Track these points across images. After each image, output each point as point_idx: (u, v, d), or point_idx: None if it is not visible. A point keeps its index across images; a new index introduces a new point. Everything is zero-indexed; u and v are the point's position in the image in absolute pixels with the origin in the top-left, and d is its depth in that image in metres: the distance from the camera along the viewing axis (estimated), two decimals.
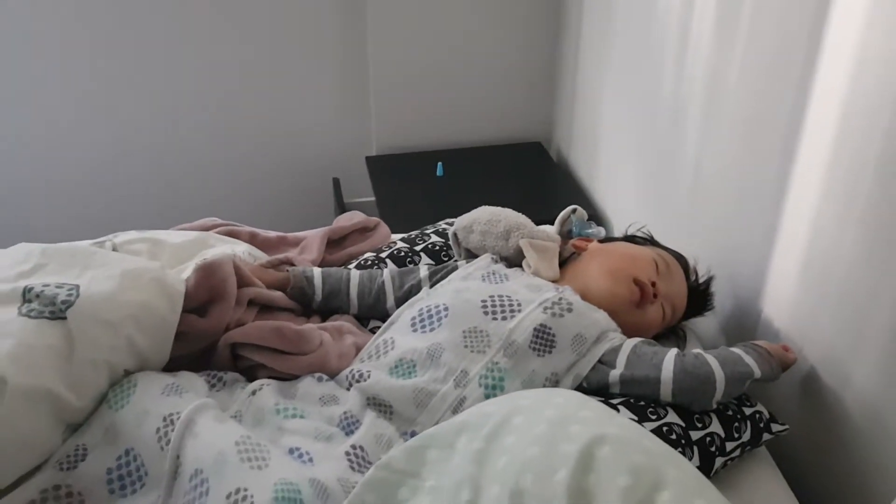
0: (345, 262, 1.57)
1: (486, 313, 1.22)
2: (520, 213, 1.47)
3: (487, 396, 1.14)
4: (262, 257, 1.54)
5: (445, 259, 1.53)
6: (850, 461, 1.22)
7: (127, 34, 2.26)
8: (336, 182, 2.39)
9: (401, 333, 1.25)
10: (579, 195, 2.29)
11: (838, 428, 1.24)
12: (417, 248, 1.54)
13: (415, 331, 1.24)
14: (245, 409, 1.12)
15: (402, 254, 1.52)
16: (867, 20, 1.11)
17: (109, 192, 2.44)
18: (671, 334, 1.45)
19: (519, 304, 1.24)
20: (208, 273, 1.23)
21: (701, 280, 1.47)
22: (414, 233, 1.61)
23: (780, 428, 1.22)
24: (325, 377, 1.20)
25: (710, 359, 1.17)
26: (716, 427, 1.16)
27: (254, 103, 2.43)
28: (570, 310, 1.24)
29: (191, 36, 2.30)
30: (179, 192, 2.48)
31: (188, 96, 2.38)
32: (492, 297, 1.25)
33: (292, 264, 1.49)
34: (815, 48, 1.22)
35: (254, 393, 1.14)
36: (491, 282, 1.31)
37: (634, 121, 1.98)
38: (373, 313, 1.40)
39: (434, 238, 1.57)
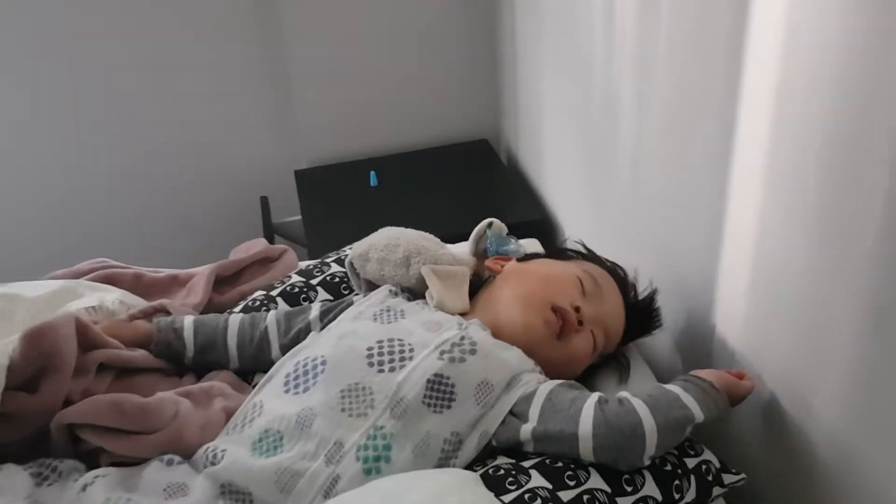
0: (237, 304, 1.36)
1: (371, 364, 1.02)
2: (425, 234, 1.26)
3: (367, 472, 0.93)
4: (140, 304, 1.34)
5: (346, 293, 1.32)
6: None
7: (30, 54, 2.06)
8: (264, 201, 2.19)
9: (272, 395, 1.04)
10: (529, 197, 2.08)
11: (803, 468, 1.03)
12: (314, 280, 1.33)
13: (287, 391, 1.03)
14: None
15: (297, 289, 1.32)
16: None
17: (17, 226, 2.25)
18: (611, 362, 1.24)
19: (412, 350, 1.03)
20: (35, 339, 1.03)
21: (642, 295, 1.26)
22: (313, 262, 1.41)
23: (735, 479, 1.01)
24: (177, 459, 1.00)
25: (638, 405, 0.96)
26: (650, 489, 0.95)
27: (171, 123, 2.23)
28: (472, 351, 1.04)
29: (98, 53, 2.11)
30: (95, 221, 2.28)
31: (98, 116, 2.19)
32: (380, 342, 1.04)
33: (168, 312, 1.28)
34: (739, 31, 1.02)
35: (84, 488, 0.94)
36: (383, 321, 1.10)
37: (571, 117, 1.77)
38: (257, 366, 1.20)
39: (334, 268, 1.36)
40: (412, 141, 2.31)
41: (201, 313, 1.33)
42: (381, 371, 1.01)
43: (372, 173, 2.13)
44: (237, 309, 1.30)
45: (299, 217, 2.15)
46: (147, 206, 2.29)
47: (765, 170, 1.02)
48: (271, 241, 2.14)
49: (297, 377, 1.04)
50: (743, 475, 1.02)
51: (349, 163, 2.26)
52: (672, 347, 1.36)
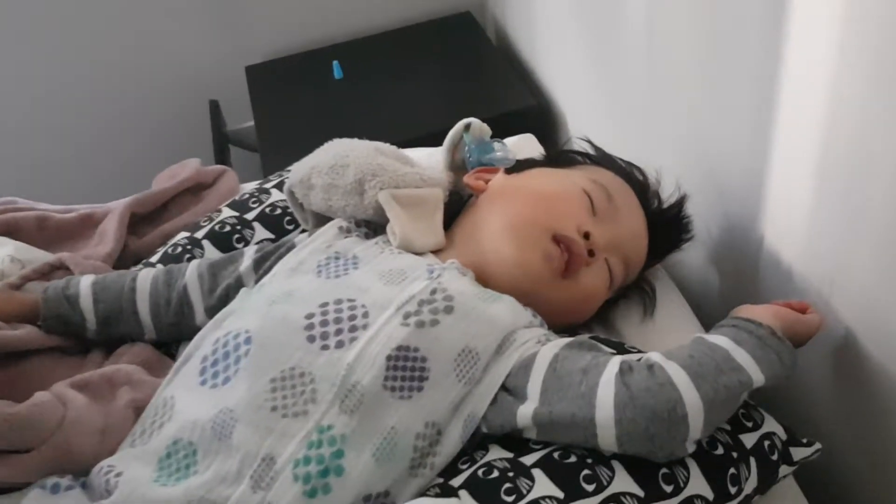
0: (160, 249, 1.09)
1: (311, 339, 0.75)
2: (383, 146, 0.97)
3: (311, 495, 0.69)
4: (39, 259, 1.07)
5: (291, 229, 1.04)
6: None
7: None
8: (214, 105, 1.87)
9: (186, 387, 0.79)
10: (523, 80, 1.76)
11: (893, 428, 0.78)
12: (250, 214, 1.05)
13: (203, 382, 0.77)
14: None
15: (228, 228, 1.04)
16: None
17: None
18: (632, 292, 0.97)
19: (365, 314, 0.77)
20: None
21: (667, 203, 0.98)
22: (251, 187, 1.12)
23: (808, 452, 0.76)
24: (65, 483, 0.75)
25: (675, 372, 0.70)
26: (698, 486, 0.70)
27: (98, 17, 1.88)
28: (448, 309, 0.77)
29: None
30: (21, 137, 1.97)
31: (20, 16, 1.84)
32: (324, 306, 0.78)
33: (68, 269, 1.01)
34: None
35: None
36: (329, 275, 0.83)
37: None
38: (180, 334, 0.94)
39: (275, 195, 1.08)
40: (381, 21, 1.96)
41: (114, 266, 1.06)
42: (324, 348, 0.74)
43: (335, 63, 1.80)
44: (154, 259, 1.03)
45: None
46: (78, 120, 1.97)
47: (840, 21, 0.72)
48: (223, 153, 1.85)
49: (215, 362, 0.77)
50: (818, 445, 0.77)
51: (308, 52, 1.93)
52: (707, 266, 1.08)
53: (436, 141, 1.14)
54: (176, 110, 1.97)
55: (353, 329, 0.75)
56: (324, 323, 0.76)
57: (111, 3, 1.88)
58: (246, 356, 0.75)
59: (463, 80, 1.82)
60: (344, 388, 0.72)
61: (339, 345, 0.74)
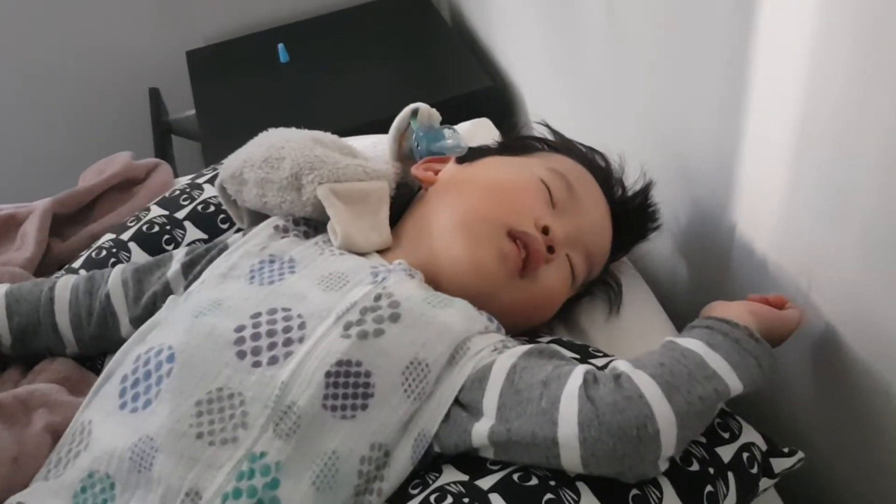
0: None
1: (241, 355, 0.67)
2: (321, 135, 0.89)
3: None
4: None
5: (225, 228, 0.96)
6: None
7: None
8: (154, 93, 1.77)
9: (104, 411, 0.71)
10: (478, 61, 1.68)
11: (882, 438, 0.72)
12: (181, 213, 0.97)
13: (123, 406, 0.69)
14: None
15: (157, 228, 0.95)
16: None
17: None
18: (596, 288, 0.91)
19: (302, 325, 0.69)
20: None
21: (631, 190, 0.91)
22: (183, 182, 1.04)
23: (790, 463, 0.70)
24: None
25: (645, 384, 0.63)
26: None
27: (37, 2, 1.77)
28: (394, 317, 0.70)
29: None
30: None
31: None
32: (257, 317, 0.70)
33: None
34: None
35: None
36: (262, 281, 0.75)
37: None
38: (104, 347, 0.85)
39: (208, 191, 0.99)
40: (330, 0, 1.87)
41: (35, 273, 0.97)
42: (256, 365, 0.67)
43: (280, 46, 1.72)
44: (77, 263, 0.94)
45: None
46: (5, 109, 1.86)
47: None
48: (165, 143, 1.75)
49: (135, 383, 0.69)
50: (800, 455, 0.71)
51: (252, 35, 1.84)
52: (676, 258, 1.02)
53: (387, 127, 1.06)
54: (113, 99, 1.87)
55: (287, 343, 0.68)
56: (255, 336, 0.68)
57: None
58: (168, 376, 0.67)
59: (416, 63, 1.74)
60: (278, 409, 0.65)
61: (273, 361, 0.67)
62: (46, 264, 1.01)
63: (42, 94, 1.87)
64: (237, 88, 1.68)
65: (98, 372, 0.85)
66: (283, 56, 1.71)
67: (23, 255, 0.99)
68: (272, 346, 0.68)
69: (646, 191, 0.92)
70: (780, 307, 0.75)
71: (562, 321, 0.89)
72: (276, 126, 0.90)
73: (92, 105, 1.88)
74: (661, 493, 0.63)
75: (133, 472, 0.64)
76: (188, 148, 1.82)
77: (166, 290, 0.83)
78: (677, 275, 1.03)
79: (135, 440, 0.65)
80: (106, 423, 0.69)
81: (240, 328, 0.69)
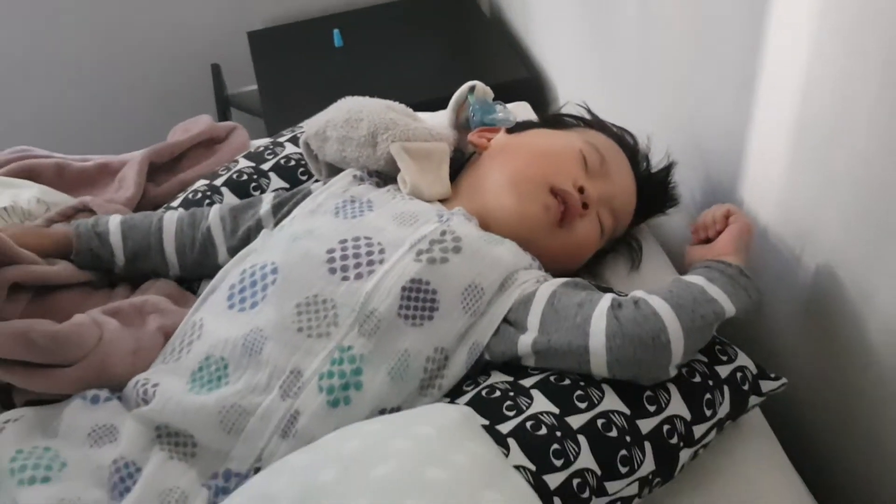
0: (177, 196, 1.15)
1: (332, 271, 0.83)
2: (393, 104, 1.04)
3: (334, 405, 0.77)
4: (63, 202, 1.13)
5: (304, 179, 1.11)
6: (877, 419, 0.85)
7: None
8: (215, 69, 1.93)
9: (214, 313, 0.86)
10: (515, 52, 1.83)
11: (857, 369, 0.87)
12: (266, 165, 1.12)
13: (231, 307, 0.84)
14: None
15: (245, 177, 1.11)
16: None
17: None
18: (620, 246, 1.06)
19: (382, 251, 0.84)
20: None
21: (657, 168, 1.06)
22: (264, 142, 1.19)
23: (774, 385, 0.85)
24: (104, 395, 0.82)
25: (659, 305, 0.78)
26: (678, 407, 0.78)
27: None
28: (456, 249, 0.85)
29: None
30: (27, 98, 2.01)
31: None
32: (343, 242, 0.85)
33: (92, 212, 1.08)
34: None
35: None
36: (346, 216, 0.91)
37: None
38: (202, 272, 1.01)
39: (289, 149, 1.15)
40: None
41: (134, 210, 1.13)
42: (345, 279, 0.82)
43: (335, 32, 1.87)
44: (175, 203, 1.10)
45: (256, 86, 1.90)
46: (82, 83, 2.02)
47: (817, 4, 0.80)
48: (225, 114, 1.91)
49: (242, 290, 0.85)
50: (784, 380, 0.86)
51: (309, 21, 1.99)
52: (690, 225, 1.16)
53: (431, 109, 1.21)
54: (180, 73, 2.02)
55: (370, 263, 0.83)
56: (344, 257, 0.83)
57: None
58: (273, 284, 0.82)
59: (458, 52, 1.89)
60: (363, 313, 0.80)
61: (358, 276, 0.82)
62: (143, 205, 1.15)
63: (120, 66, 2.03)
64: (295, 68, 1.83)
65: (194, 292, 1.01)
66: (337, 41, 1.86)
67: (124, 195, 1.15)
68: (357, 265, 0.83)
69: (668, 169, 1.06)
70: (728, 216, 0.91)
71: (590, 273, 1.03)
72: (332, 103, 1.04)
73: (162, 77, 2.04)
74: (670, 395, 0.79)
75: (245, 356, 0.79)
76: (244, 119, 1.97)
77: (258, 226, 0.98)
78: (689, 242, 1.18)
79: (246, 331, 0.80)
80: (217, 321, 0.84)
81: (330, 250, 0.84)
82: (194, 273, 1.01)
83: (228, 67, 1.97)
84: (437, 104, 1.15)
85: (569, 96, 1.61)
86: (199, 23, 2.02)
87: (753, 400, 0.84)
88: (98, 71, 2.02)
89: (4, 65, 1.99)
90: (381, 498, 0.50)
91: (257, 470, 0.74)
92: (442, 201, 0.96)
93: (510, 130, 1.03)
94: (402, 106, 1.05)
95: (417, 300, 0.82)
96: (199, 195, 1.09)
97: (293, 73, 1.82)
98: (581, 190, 0.93)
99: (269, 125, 1.67)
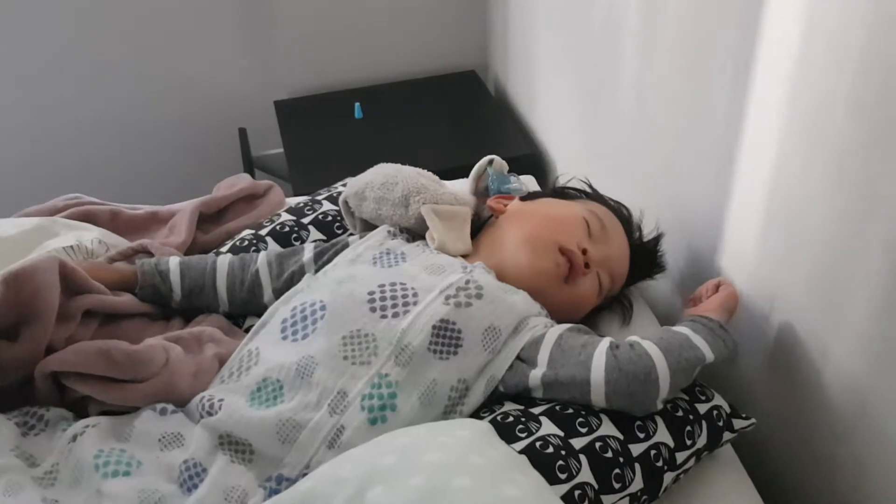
0: (223, 243, 1.30)
1: (373, 310, 0.97)
2: (423, 171, 1.20)
3: (373, 422, 0.90)
4: (121, 244, 1.27)
5: (340, 233, 1.26)
6: (832, 456, 1.00)
7: None
8: (242, 133, 2.10)
9: (268, 342, 1.00)
10: (518, 131, 2.02)
11: (815, 413, 1.01)
12: (306, 219, 1.27)
13: (285, 338, 0.98)
14: (63, 461, 0.88)
15: (287, 229, 1.26)
16: None
17: None
18: (614, 304, 1.21)
19: (415, 295, 0.99)
20: (15, 285, 0.96)
21: (647, 237, 1.22)
22: (303, 199, 1.34)
23: (745, 424, 0.99)
24: (171, 408, 0.95)
25: (650, 348, 0.93)
26: (663, 435, 0.92)
27: (142, 51, 2.11)
28: (479, 296, 0.99)
29: None
30: (67, 159, 2.18)
31: (70, 51, 2.06)
32: (382, 286, 1.00)
33: (149, 253, 1.22)
34: None
35: (74, 438, 0.89)
36: (383, 265, 1.05)
37: (567, 44, 1.70)
38: (248, 310, 1.15)
39: (326, 206, 1.30)
40: (398, 71, 2.22)
41: (185, 254, 1.27)
42: (384, 317, 0.96)
43: (356, 105, 2.04)
44: (224, 249, 1.24)
45: (280, 150, 2.07)
46: (120, 141, 2.19)
47: (786, 103, 0.97)
48: (251, 175, 2.06)
49: (294, 323, 0.99)
50: (753, 420, 1.00)
51: (332, 93, 2.17)
52: (674, 289, 1.33)
53: (442, 178, 1.37)
54: (209, 134, 2.18)
55: (405, 304, 0.97)
56: (382, 298, 0.98)
57: (156, 39, 2.11)
58: (322, 319, 0.97)
59: (466, 129, 2.07)
60: (398, 346, 0.94)
61: (395, 315, 0.96)
62: (192, 250, 1.29)
63: (148, 129, 2.19)
64: (318, 136, 2.00)
65: (240, 326, 1.15)
66: (357, 113, 2.03)
67: (176, 240, 1.29)
68: (395, 305, 0.97)
69: (657, 239, 1.22)
70: (719, 285, 1.06)
71: (588, 325, 1.18)
72: (353, 170, 1.22)
73: (193, 138, 2.20)
74: (656, 425, 0.93)
75: (298, 378, 0.93)
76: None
77: (301, 271, 1.12)
78: (674, 305, 1.33)
79: (299, 358, 0.94)
80: (272, 349, 0.98)
81: (371, 292, 0.98)
82: (241, 310, 1.14)
83: (254, 131, 2.14)
84: (447, 174, 1.30)
85: (566, 171, 1.80)
86: (228, 91, 2.19)
87: (727, 435, 0.98)
88: (140, 130, 2.19)
89: (64, 123, 2.15)
90: (433, 475, 0.63)
91: (304, 475, 0.87)
92: (464, 256, 1.12)
93: (523, 198, 1.19)
94: (430, 173, 1.21)
95: (445, 337, 0.96)
96: (246, 243, 1.23)
97: (317, 140, 1.99)
98: (584, 252, 1.08)
99: (296, 185, 1.82)
